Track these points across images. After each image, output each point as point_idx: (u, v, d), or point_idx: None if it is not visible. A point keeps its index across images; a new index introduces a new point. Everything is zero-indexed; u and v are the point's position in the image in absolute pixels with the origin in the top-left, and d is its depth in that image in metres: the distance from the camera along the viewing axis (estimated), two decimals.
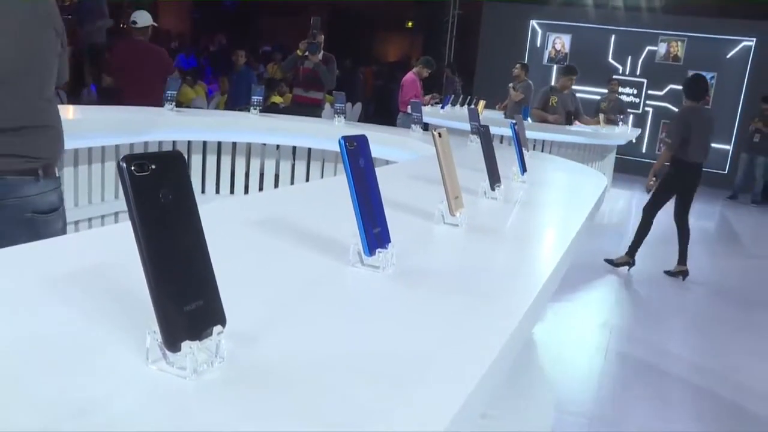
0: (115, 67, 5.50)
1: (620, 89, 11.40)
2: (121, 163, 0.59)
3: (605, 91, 9.13)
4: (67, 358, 0.64)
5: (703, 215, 8.72)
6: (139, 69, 5.12)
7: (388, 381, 0.65)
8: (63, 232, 1.88)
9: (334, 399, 0.61)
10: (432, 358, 0.72)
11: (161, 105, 3.92)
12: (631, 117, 11.28)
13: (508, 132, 5.40)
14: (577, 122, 7.66)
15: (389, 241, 1.03)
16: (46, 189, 1.77)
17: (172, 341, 0.61)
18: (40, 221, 1.75)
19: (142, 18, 5.19)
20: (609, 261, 5.22)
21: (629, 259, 5.17)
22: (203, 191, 4.25)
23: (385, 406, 0.61)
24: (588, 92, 10.30)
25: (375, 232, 1.00)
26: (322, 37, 6.02)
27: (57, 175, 1.86)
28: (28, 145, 1.72)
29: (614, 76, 10.15)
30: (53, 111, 1.83)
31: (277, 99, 8.58)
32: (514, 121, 2.39)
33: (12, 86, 1.68)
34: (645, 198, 5.27)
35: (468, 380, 0.66)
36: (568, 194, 2.34)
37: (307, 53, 6.03)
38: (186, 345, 0.62)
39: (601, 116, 8.36)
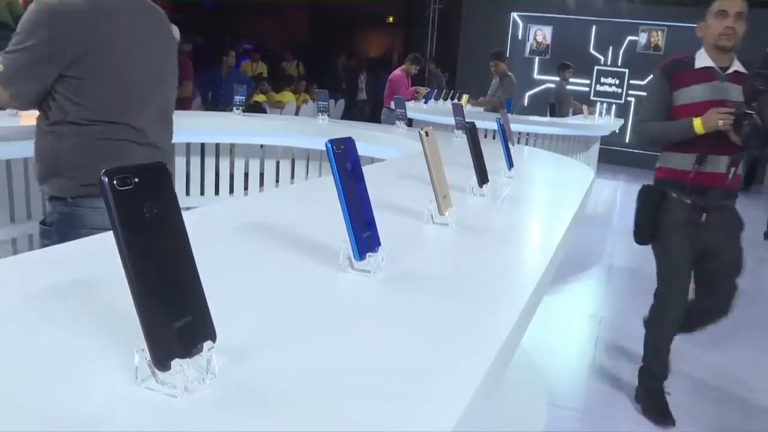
0: None
1: (602, 79, 11.52)
2: (102, 177, 0.57)
3: (557, 79, 9.06)
4: (51, 377, 0.62)
5: None
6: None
7: (384, 395, 0.64)
8: None
9: (330, 416, 0.59)
10: (427, 369, 0.70)
11: None
12: (614, 107, 11.35)
13: (492, 126, 5.43)
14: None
15: (379, 245, 1.02)
16: None
17: (161, 360, 0.60)
18: None
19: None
20: None
21: None
22: (188, 193, 4.22)
23: (381, 422, 0.59)
24: (572, 83, 10.32)
25: (365, 236, 0.99)
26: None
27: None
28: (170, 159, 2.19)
29: (596, 67, 10.15)
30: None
31: (259, 98, 8.54)
32: (499, 117, 2.38)
33: (160, 106, 2.08)
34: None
35: (464, 390, 0.65)
36: (556, 189, 2.34)
37: None
38: (176, 363, 0.60)
39: (585, 107, 8.39)
